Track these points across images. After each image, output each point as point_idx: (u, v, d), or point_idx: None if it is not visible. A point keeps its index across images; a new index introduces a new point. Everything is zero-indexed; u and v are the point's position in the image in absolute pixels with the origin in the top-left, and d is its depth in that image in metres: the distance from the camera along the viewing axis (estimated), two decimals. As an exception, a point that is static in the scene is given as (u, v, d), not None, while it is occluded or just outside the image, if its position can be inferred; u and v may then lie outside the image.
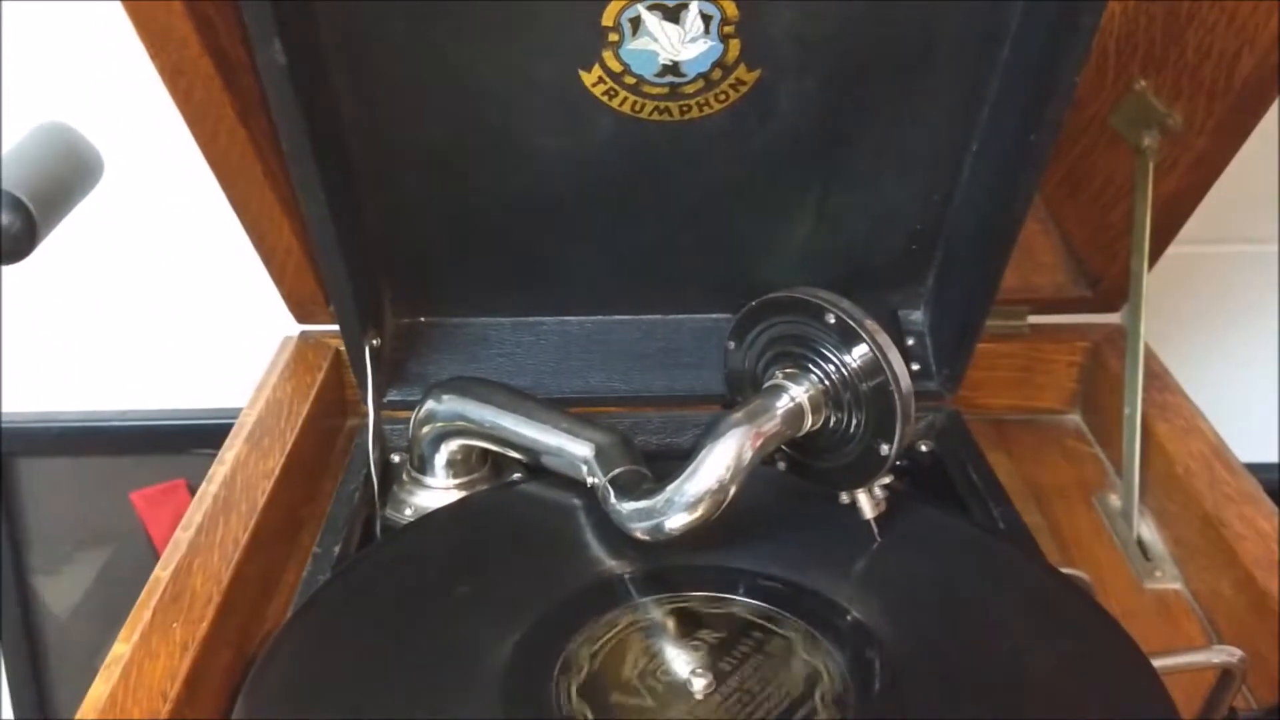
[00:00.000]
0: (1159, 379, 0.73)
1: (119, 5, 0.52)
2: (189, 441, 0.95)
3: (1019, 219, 0.56)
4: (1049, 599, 0.51)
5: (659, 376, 0.65)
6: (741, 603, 0.49)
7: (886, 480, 0.52)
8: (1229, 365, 0.96)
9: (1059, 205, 0.76)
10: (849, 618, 0.48)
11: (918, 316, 0.66)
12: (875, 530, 0.53)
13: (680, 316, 0.66)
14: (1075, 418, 0.78)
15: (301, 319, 0.74)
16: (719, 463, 0.49)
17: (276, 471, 0.62)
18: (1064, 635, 0.49)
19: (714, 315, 0.66)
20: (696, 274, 0.64)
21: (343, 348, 0.73)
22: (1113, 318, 0.78)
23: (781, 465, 0.56)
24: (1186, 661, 0.49)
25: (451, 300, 0.66)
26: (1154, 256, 0.69)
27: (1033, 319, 0.76)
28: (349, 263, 0.57)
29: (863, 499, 0.53)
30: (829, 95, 0.56)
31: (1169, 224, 0.69)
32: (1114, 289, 0.74)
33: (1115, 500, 0.69)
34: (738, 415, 0.49)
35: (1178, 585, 0.63)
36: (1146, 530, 0.66)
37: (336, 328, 0.72)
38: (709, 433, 0.50)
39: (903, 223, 0.62)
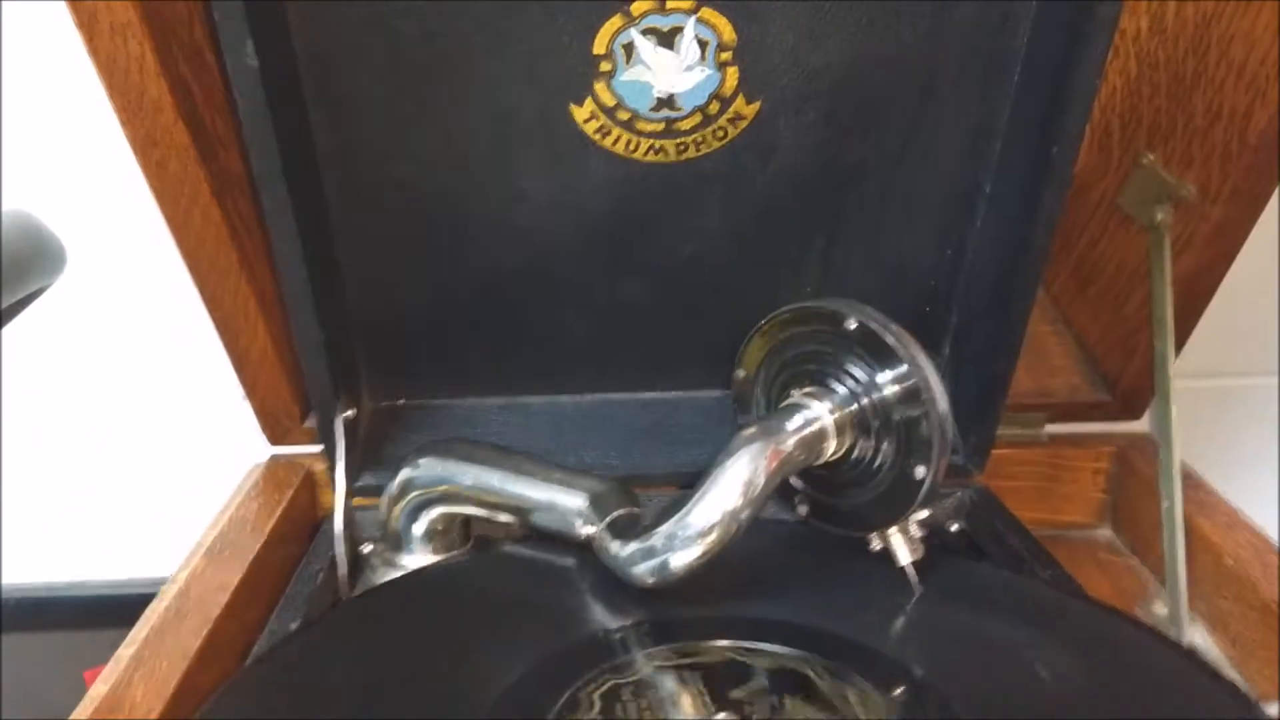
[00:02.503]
0: (1192, 479, 0.68)
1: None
2: (148, 613, 0.87)
3: (1042, 254, 0.53)
4: (1133, 650, 0.43)
5: (658, 455, 0.59)
6: (772, 654, 0.42)
7: (922, 515, 0.46)
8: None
9: (1068, 303, 0.73)
10: (905, 678, 0.41)
11: (936, 391, 0.61)
12: (913, 579, 0.46)
13: (679, 394, 0.61)
14: (1106, 532, 0.72)
15: (274, 439, 0.69)
16: (730, 487, 0.43)
17: (235, 583, 0.56)
18: (1157, 688, 0.42)
19: (714, 392, 0.61)
20: (694, 342, 0.60)
21: (317, 468, 0.68)
22: (1137, 426, 0.73)
23: (803, 509, 0.49)
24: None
25: (434, 380, 0.61)
26: (1178, 343, 0.65)
27: (1051, 428, 0.71)
28: (322, 316, 0.53)
29: (897, 541, 0.46)
30: (832, 130, 0.53)
31: (1190, 306, 0.66)
32: (1134, 390, 0.70)
33: (1160, 608, 0.63)
34: (751, 431, 0.44)
35: (1240, 688, 0.56)
36: (1198, 636, 0.60)
37: (311, 449, 0.68)
38: (720, 454, 0.44)
39: (914, 278, 0.58)
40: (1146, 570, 0.67)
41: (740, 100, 0.52)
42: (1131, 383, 0.69)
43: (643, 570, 0.44)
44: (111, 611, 0.87)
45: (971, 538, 0.58)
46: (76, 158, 0.70)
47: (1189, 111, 0.61)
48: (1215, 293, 0.66)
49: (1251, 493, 0.82)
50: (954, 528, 0.59)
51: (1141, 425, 0.73)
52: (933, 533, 0.50)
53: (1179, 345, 0.66)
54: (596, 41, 0.50)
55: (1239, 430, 0.88)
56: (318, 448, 0.64)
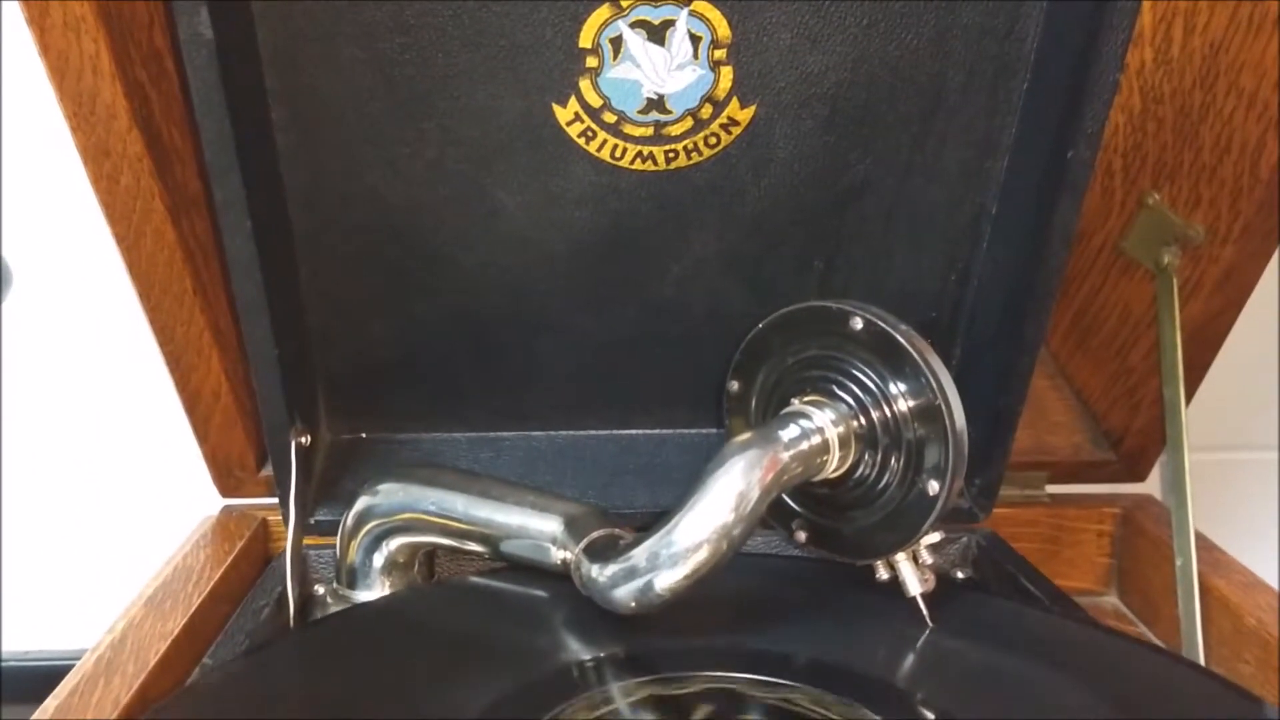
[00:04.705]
0: (1203, 540, 0.64)
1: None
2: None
3: (1058, 271, 0.49)
4: (1170, 685, 0.38)
5: (641, 492, 0.54)
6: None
7: (934, 539, 0.41)
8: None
9: (1068, 358, 0.69)
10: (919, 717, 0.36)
11: (938, 430, 0.57)
12: (924, 611, 0.41)
13: (664, 431, 0.57)
14: (1112, 599, 0.68)
15: (225, 490, 0.64)
16: (721, 499, 0.38)
17: (176, 633, 0.51)
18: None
19: (702, 430, 0.57)
20: (681, 374, 0.55)
21: (271, 518, 0.63)
22: (1141, 488, 0.69)
23: (801, 535, 0.45)
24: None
25: (398, 412, 0.56)
26: (1186, 394, 0.62)
27: (1051, 489, 0.67)
28: (278, 329, 0.48)
29: (906, 569, 0.41)
30: (831, 139, 0.50)
31: (1199, 356, 0.62)
32: (1138, 449, 0.66)
33: (1175, 677, 0.58)
34: (745, 438, 0.39)
35: (1268, 759, 0.51)
36: (1219, 704, 0.55)
37: (266, 500, 0.63)
38: (709, 463, 0.39)
39: (917, 308, 0.54)
40: (1157, 639, 0.62)
41: (734, 104, 0.49)
42: (1136, 442, 0.66)
43: (624, 593, 0.39)
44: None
45: (980, 585, 0.53)
46: (21, 170, 0.67)
47: (1196, 147, 0.58)
48: (1224, 342, 0.63)
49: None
50: (960, 575, 0.54)
51: (1145, 487, 0.69)
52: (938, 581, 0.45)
53: (1187, 397, 0.62)
54: (582, 34, 0.47)
55: (1238, 506, 0.84)
56: (272, 499, 0.60)
